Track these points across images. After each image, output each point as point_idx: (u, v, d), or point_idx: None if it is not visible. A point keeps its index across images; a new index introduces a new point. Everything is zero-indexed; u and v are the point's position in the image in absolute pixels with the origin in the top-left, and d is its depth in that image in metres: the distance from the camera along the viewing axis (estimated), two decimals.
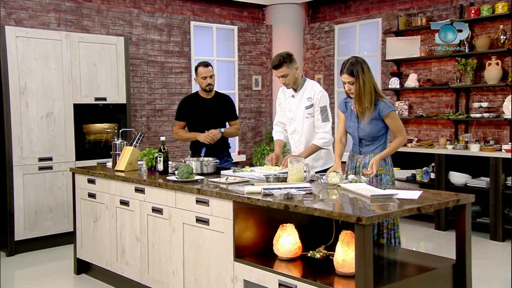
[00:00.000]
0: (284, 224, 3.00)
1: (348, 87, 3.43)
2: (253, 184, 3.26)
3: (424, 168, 6.11)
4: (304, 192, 2.86)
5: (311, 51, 7.94)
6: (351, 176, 3.26)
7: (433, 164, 6.02)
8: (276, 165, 3.84)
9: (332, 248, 3.05)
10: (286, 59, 3.85)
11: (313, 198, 2.85)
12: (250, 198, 2.89)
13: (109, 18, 6.38)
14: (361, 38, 7.36)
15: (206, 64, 4.57)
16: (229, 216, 3.02)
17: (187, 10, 7.18)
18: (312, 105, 3.95)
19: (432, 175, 6.01)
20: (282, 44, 7.64)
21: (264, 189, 2.94)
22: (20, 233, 5.09)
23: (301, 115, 4.02)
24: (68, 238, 5.04)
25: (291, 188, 2.94)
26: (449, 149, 5.83)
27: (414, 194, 2.84)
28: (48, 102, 5.24)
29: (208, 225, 3.16)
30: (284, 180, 3.29)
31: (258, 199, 2.85)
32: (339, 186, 3.13)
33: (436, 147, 6.08)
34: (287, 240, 2.94)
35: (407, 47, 6.45)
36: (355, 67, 3.36)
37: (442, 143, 6.06)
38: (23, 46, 5.08)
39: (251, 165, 7.74)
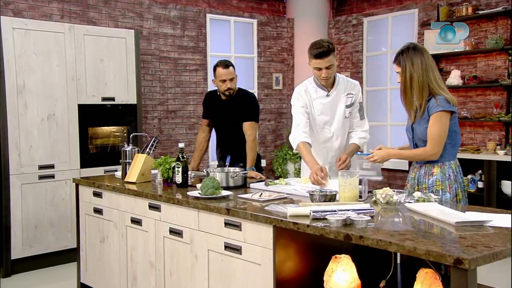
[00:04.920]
0: (338, 256, 2.38)
1: (398, 78, 2.90)
2: (293, 202, 2.69)
3: (470, 176, 5.45)
4: (368, 217, 2.23)
5: (336, 47, 7.27)
6: (417, 194, 2.62)
7: (480, 171, 5.37)
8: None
9: (392, 283, 2.45)
10: (333, 46, 3.24)
11: (375, 224, 2.23)
12: (296, 223, 2.28)
13: (118, 10, 5.80)
14: (393, 32, 6.71)
15: (226, 64, 3.88)
16: (268, 245, 2.41)
17: (202, 1, 6.58)
18: (353, 103, 3.41)
19: (480, 184, 5.35)
20: (305, 39, 7.00)
21: (313, 211, 2.32)
22: (18, 250, 4.52)
23: (341, 115, 3.41)
24: (71, 255, 4.46)
25: (348, 210, 2.32)
26: (501, 155, 5.17)
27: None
28: (49, 102, 4.68)
29: (241, 254, 2.55)
30: (333, 198, 2.66)
31: (308, 225, 2.23)
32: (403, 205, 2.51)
33: (483, 153, 5.41)
34: (342, 277, 2.32)
35: None
36: (404, 57, 2.82)
37: (490, 148, 5.39)
38: (21, 39, 4.51)
39: (272, 171, 7.14)
